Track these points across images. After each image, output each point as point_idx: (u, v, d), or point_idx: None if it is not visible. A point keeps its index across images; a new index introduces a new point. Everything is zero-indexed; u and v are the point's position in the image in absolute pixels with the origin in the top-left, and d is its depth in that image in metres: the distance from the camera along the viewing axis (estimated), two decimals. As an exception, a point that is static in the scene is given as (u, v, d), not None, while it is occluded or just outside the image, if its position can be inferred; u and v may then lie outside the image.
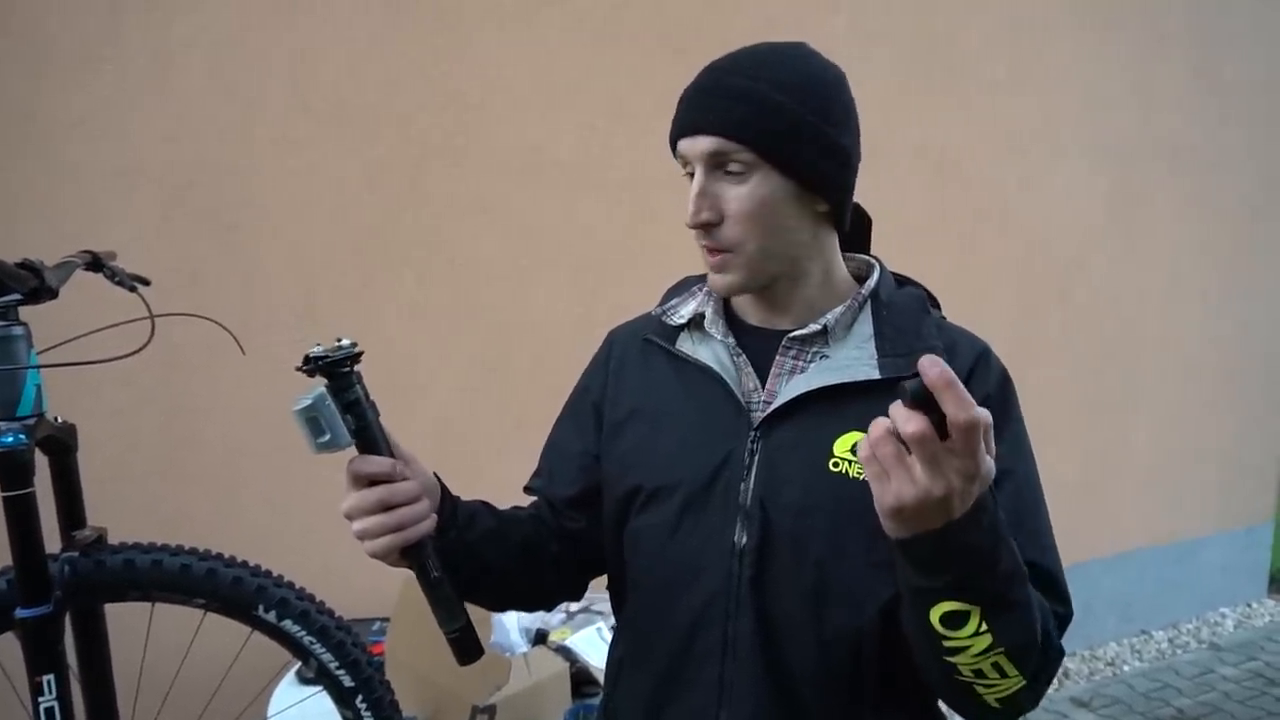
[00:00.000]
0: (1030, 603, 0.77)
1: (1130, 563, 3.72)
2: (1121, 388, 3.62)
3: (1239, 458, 4.01)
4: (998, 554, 0.73)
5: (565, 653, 1.82)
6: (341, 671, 1.31)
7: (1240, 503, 4.07)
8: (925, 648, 0.79)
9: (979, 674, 0.78)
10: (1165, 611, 3.87)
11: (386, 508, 0.83)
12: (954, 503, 0.68)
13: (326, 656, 1.30)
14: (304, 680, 1.75)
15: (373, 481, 0.84)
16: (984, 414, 0.65)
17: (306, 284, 2.15)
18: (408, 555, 0.86)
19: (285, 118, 2.09)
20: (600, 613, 2.01)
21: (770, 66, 0.90)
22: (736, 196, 0.89)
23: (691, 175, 0.92)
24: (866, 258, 1.04)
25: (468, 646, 0.92)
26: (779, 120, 0.88)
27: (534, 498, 1.11)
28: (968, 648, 0.76)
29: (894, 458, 0.68)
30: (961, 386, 0.63)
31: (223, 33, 2.01)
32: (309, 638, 1.28)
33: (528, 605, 1.11)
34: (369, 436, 0.84)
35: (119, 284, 1.28)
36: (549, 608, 1.09)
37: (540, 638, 1.89)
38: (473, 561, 0.96)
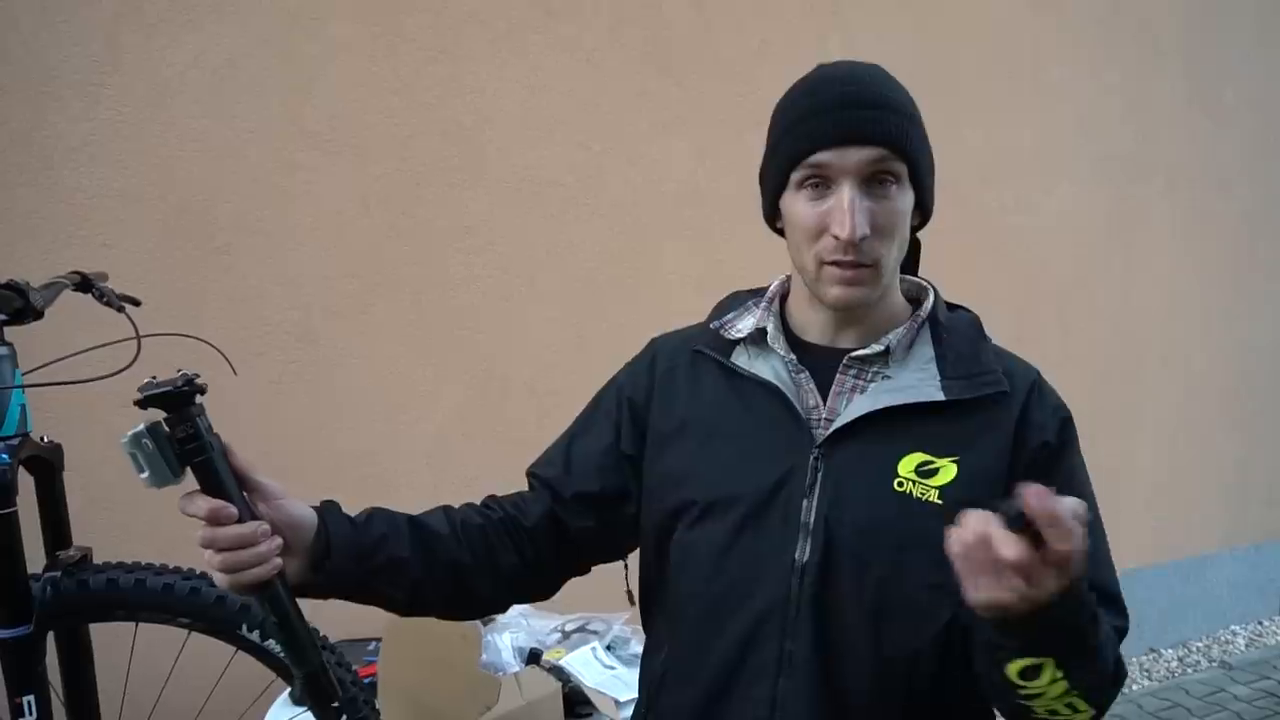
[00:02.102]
0: (1103, 645, 0.79)
1: (1138, 580, 3.67)
2: (1124, 406, 3.60)
3: (1245, 474, 3.97)
4: (1079, 618, 0.75)
5: (558, 673, 1.80)
6: (326, 692, 1.30)
7: (1248, 520, 4.02)
8: (1000, 691, 0.81)
9: (1053, 712, 0.80)
10: (1175, 630, 3.82)
11: (225, 549, 0.82)
12: (1045, 599, 0.70)
13: (311, 676, 1.29)
14: (296, 700, 1.74)
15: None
16: (1078, 535, 0.68)
17: (302, 306, 2.17)
18: (252, 593, 0.86)
19: (282, 142, 2.12)
20: (595, 632, 2.00)
21: (893, 82, 0.93)
22: (887, 210, 0.89)
23: (814, 187, 0.90)
24: (918, 280, 1.04)
25: (316, 692, 0.91)
26: (920, 134, 0.91)
27: (523, 490, 1.09)
28: (1043, 694, 0.77)
29: (989, 565, 0.69)
30: (1067, 518, 0.66)
31: (220, 59, 2.04)
32: (293, 657, 1.28)
33: (462, 617, 1.08)
34: (208, 472, 0.83)
35: (107, 304, 1.29)
36: (499, 612, 1.09)
37: (533, 657, 1.88)
38: (367, 592, 0.94)
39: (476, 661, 1.69)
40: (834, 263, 0.89)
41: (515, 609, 2.01)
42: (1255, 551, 4.06)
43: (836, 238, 0.87)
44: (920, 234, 1.03)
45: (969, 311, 1.03)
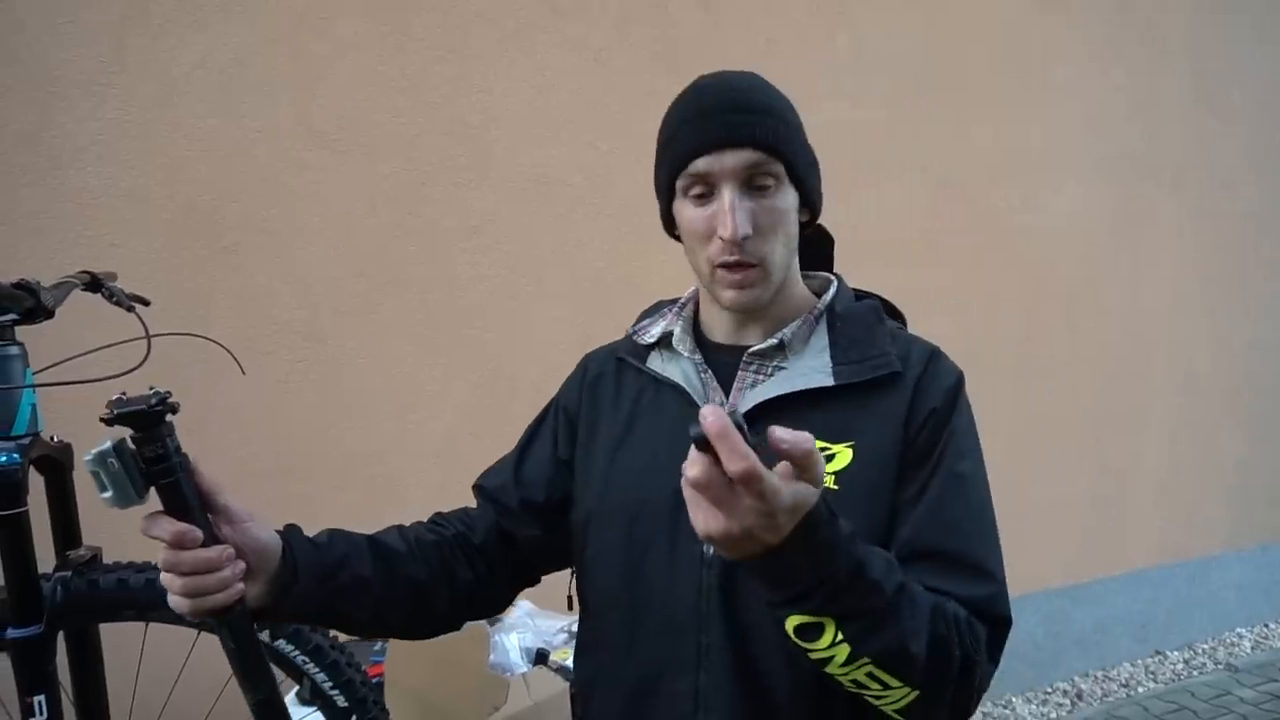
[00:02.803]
0: (900, 613, 0.76)
1: (1144, 582, 3.67)
2: (1130, 406, 3.59)
3: (1251, 475, 3.96)
4: (833, 570, 0.72)
5: (565, 673, 1.80)
6: (335, 692, 1.31)
7: (1253, 521, 4.01)
8: (810, 662, 0.79)
9: (858, 684, 0.78)
10: (1180, 632, 3.81)
11: (185, 573, 0.81)
12: (762, 536, 0.68)
13: (320, 677, 1.30)
14: (303, 701, 1.74)
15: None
16: (772, 459, 0.67)
17: (310, 305, 2.16)
18: (211, 617, 0.84)
19: (289, 141, 2.12)
20: (602, 633, 1.99)
21: (767, 88, 0.95)
22: (768, 209, 0.91)
23: (699, 196, 0.93)
24: (827, 275, 1.06)
25: (275, 716, 0.89)
26: (793, 134, 0.93)
27: (468, 506, 1.10)
28: (831, 658, 0.76)
29: (692, 495, 0.68)
30: (736, 437, 0.64)
31: (228, 58, 2.04)
32: (302, 658, 1.28)
33: (418, 636, 1.07)
34: (174, 494, 0.80)
35: (117, 304, 1.29)
36: (453, 630, 1.07)
37: (541, 658, 1.88)
38: (330, 614, 0.94)
39: (485, 662, 1.69)
40: (723, 265, 0.92)
41: (521, 609, 2.00)
42: (1261, 553, 4.05)
43: (723, 239, 0.90)
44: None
45: (875, 299, 1.04)
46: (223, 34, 2.03)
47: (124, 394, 0.79)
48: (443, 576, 1.01)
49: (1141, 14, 3.45)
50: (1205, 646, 3.82)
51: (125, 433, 0.79)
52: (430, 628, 1.04)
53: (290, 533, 0.93)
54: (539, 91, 2.38)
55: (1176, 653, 3.76)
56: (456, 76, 2.29)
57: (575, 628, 2.00)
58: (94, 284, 1.28)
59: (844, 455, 0.91)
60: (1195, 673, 3.61)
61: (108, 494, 0.78)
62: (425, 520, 1.08)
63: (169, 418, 0.80)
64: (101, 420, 0.78)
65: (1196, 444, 3.78)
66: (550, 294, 2.44)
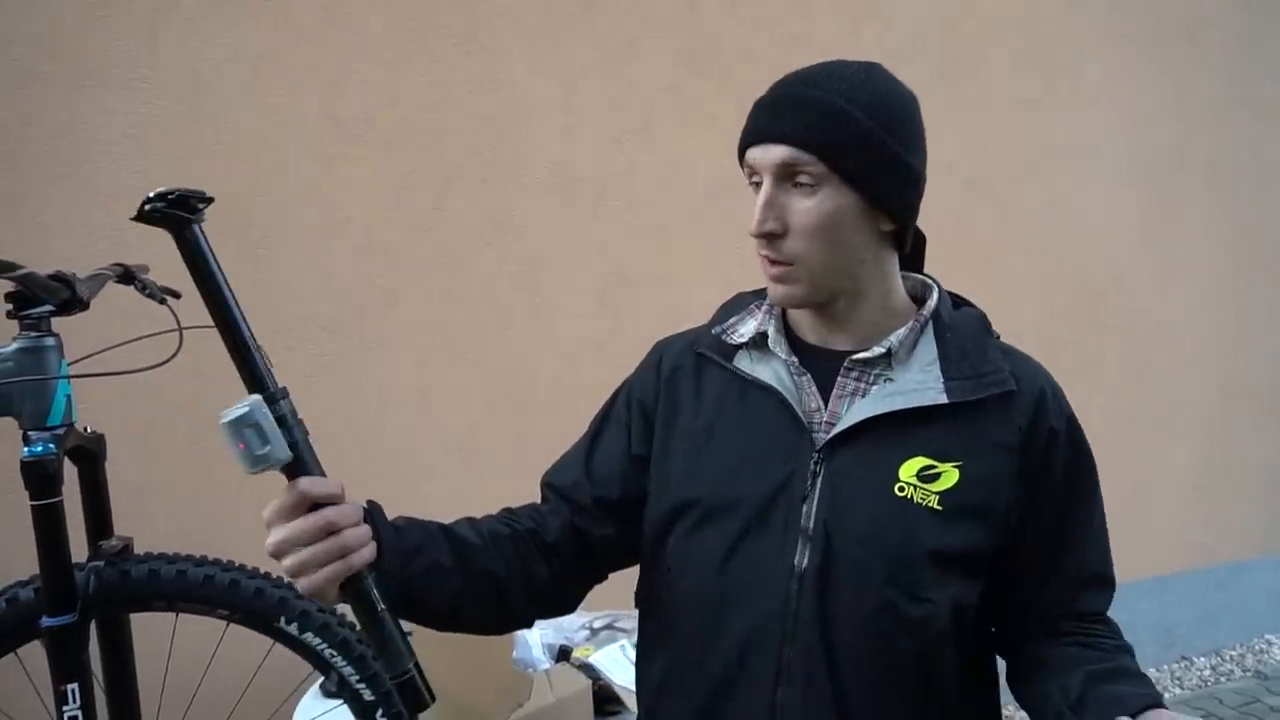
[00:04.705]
0: None
1: (1171, 586, 3.62)
2: (1159, 406, 3.54)
3: (1283, 479, 3.89)
4: None
5: (588, 670, 1.79)
6: (362, 685, 1.31)
7: (1285, 526, 3.95)
8: None
9: None
10: (1208, 637, 3.76)
11: (332, 532, 0.78)
12: None
13: (348, 670, 1.30)
14: (327, 693, 1.75)
15: (313, 506, 0.79)
16: None
17: (333, 300, 2.17)
18: (349, 587, 0.80)
19: (316, 136, 2.12)
20: (624, 630, 1.99)
21: (845, 81, 0.89)
22: (804, 209, 0.88)
23: (758, 185, 0.91)
24: (922, 277, 1.02)
25: (417, 692, 0.84)
26: (852, 134, 0.87)
27: (535, 503, 1.07)
28: None
29: None
30: None
31: (256, 53, 2.05)
32: (330, 650, 1.28)
33: (493, 632, 1.04)
34: (302, 455, 0.79)
35: (150, 296, 1.30)
36: (525, 628, 1.05)
37: (563, 654, 1.87)
38: (407, 603, 0.89)
39: (509, 658, 1.69)
40: (764, 258, 0.91)
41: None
42: (1292, 558, 3.98)
43: (750, 233, 0.90)
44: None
45: (975, 308, 1.01)
46: (251, 28, 2.04)
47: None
48: (520, 572, 0.97)
49: (1174, 9, 3.40)
50: (1233, 653, 3.77)
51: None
52: (504, 623, 1.02)
53: (375, 511, 0.89)
54: (563, 87, 2.38)
55: (1203, 659, 3.70)
56: (482, 71, 2.29)
57: (596, 624, 2.01)
58: (127, 276, 1.29)
59: (950, 475, 0.89)
60: (1223, 679, 3.56)
61: (266, 448, 0.75)
62: (494, 514, 1.04)
63: (199, 223, 0.79)
64: (134, 218, 0.76)
65: (1229, 448, 3.72)
66: (573, 290, 2.43)
